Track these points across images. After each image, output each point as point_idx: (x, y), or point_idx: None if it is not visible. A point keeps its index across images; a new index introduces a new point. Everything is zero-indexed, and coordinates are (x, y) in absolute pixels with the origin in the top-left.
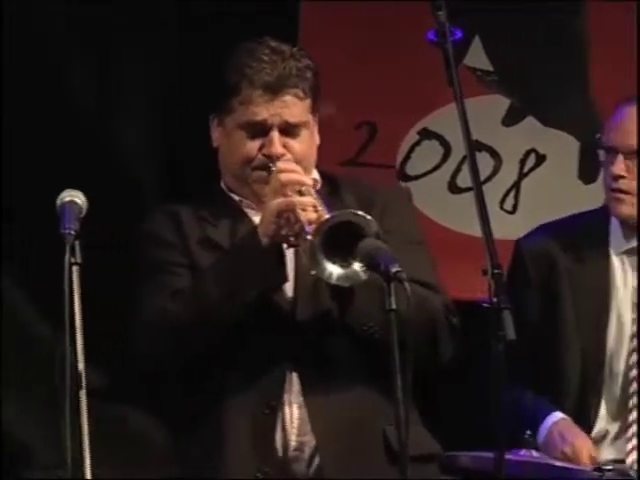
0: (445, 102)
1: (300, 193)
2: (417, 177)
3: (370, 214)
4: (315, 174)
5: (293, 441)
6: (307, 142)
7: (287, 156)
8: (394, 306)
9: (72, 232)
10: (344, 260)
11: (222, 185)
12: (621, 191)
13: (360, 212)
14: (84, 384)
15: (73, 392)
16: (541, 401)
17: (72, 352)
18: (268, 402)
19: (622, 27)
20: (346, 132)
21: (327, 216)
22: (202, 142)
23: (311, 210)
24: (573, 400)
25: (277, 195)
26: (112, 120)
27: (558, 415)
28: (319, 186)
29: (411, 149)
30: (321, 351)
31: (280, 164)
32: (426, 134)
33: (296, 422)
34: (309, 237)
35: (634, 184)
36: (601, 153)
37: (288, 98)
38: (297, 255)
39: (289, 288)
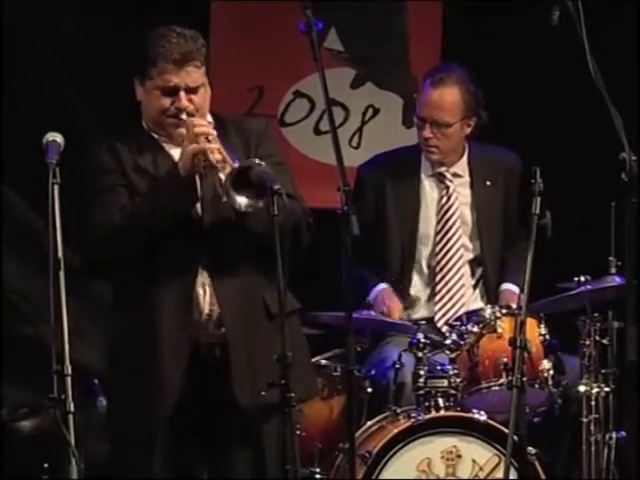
0: (311, 72)
1: (208, 141)
2: (292, 124)
3: (248, 143)
4: (209, 117)
5: (205, 310)
6: (203, 96)
7: (190, 107)
8: (276, 212)
9: (54, 161)
10: (249, 194)
11: (144, 125)
12: (429, 146)
13: (256, 160)
14: (62, 266)
15: (56, 270)
16: (371, 275)
17: (54, 242)
18: (187, 284)
19: (433, 22)
20: (243, 93)
21: (235, 165)
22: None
23: (217, 153)
24: (396, 275)
25: (192, 142)
26: (76, 81)
27: (382, 285)
28: (212, 125)
29: (288, 105)
30: (221, 248)
31: (195, 120)
32: (298, 94)
33: (207, 297)
34: (220, 175)
35: (437, 141)
36: (415, 119)
37: (190, 69)
38: (202, 183)
39: (198, 206)
